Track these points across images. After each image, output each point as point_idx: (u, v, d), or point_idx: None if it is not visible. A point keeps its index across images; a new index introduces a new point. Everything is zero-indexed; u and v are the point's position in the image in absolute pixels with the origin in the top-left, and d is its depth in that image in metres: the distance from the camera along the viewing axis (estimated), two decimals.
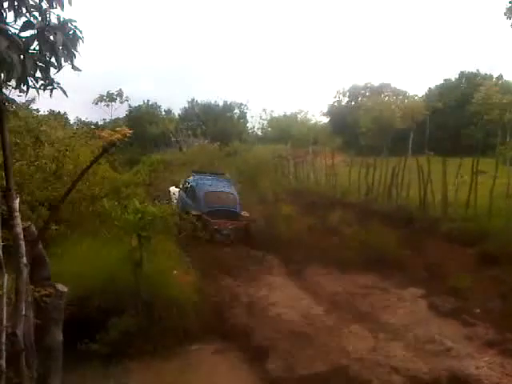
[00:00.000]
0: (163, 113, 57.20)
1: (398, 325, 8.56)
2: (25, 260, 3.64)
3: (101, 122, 55.54)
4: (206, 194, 16.16)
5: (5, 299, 3.40)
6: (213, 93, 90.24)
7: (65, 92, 4.07)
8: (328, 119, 54.97)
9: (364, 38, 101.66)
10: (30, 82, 3.56)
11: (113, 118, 56.16)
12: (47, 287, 4.66)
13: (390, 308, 9.46)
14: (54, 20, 3.90)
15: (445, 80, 48.50)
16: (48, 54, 3.32)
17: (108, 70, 78.14)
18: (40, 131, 15.30)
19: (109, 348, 7.89)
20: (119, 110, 55.52)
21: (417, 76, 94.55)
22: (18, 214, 3.71)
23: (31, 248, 4.17)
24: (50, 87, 3.97)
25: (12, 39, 2.76)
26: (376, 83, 53.80)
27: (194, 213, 14.04)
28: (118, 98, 56.23)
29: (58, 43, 3.24)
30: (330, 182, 23.70)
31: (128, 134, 4.61)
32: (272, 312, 9.26)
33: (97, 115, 55.22)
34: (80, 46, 4.00)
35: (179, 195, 18.14)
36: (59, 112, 45.17)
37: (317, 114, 56.39)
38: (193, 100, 57.93)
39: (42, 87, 3.92)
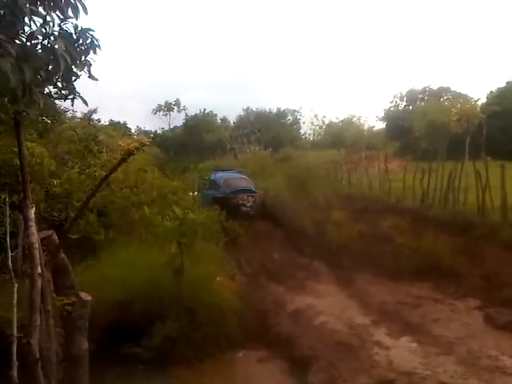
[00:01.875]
0: (219, 121, 58.06)
1: (451, 338, 8.04)
2: (39, 270, 3.61)
3: (159, 131, 57.30)
4: (225, 180, 19.63)
5: (15, 309, 3.37)
6: (267, 100, 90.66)
7: (85, 102, 4.04)
8: (384, 124, 53.73)
9: (423, 39, 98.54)
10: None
11: (171, 126, 57.74)
12: (70, 296, 4.64)
13: (443, 320, 8.93)
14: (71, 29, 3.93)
15: (507, 83, 46.29)
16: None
17: (167, 80, 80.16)
18: (97, 140, 15.83)
19: (152, 353, 7.94)
20: (177, 119, 57.03)
21: (479, 79, 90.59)
22: (32, 223, 3.69)
23: (53, 257, 4.15)
24: (71, 97, 3.97)
25: (3, 47, 2.70)
26: (435, 87, 52.20)
27: (218, 195, 17.68)
28: (176, 108, 57.80)
29: (59, 50, 3.16)
30: (383, 188, 23.00)
31: (146, 143, 4.54)
32: (317, 321, 8.97)
33: (156, 124, 56.94)
34: (97, 55, 4.00)
35: (202, 193, 19.46)
36: (119, 122, 46.75)
37: (371, 118, 55.00)
38: (247, 108, 58.48)
39: (63, 97, 3.93)
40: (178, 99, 57.26)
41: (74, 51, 3.50)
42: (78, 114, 21.57)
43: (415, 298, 10.30)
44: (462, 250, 12.40)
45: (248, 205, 17.65)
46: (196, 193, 19.53)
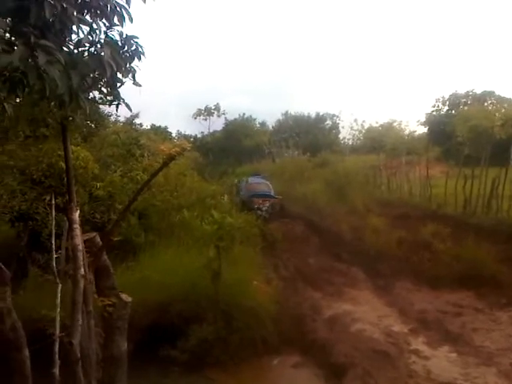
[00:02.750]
0: (258, 125, 58.17)
1: (492, 349, 7.84)
2: (82, 271, 3.70)
3: (199, 135, 58.03)
4: (246, 185, 21.59)
5: (58, 309, 3.46)
6: (307, 104, 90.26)
7: (129, 107, 4.16)
8: (426, 128, 52.62)
9: (468, 42, 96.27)
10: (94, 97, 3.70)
11: (210, 131, 58.38)
12: (111, 297, 4.73)
13: (484, 330, 8.71)
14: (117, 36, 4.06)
15: None
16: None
17: (208, 86, 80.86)
18: (139, 144, 16.17)
19: (188, 355, 8.01)
20: (216, 124, 57.55)
21: None
22: (77, 225, 3.80)
23: (96, 258, 4.25)
24: (116, 103, 4.09)
25: (52, 54, 2.80)
26: (479, 91, 50.85)
27: (242, 199, 19.19)
28: (216, 112, 58.35)
29: (105, 58, 3.26)
30: (424, 194, 22.54)
31: (188, 148, 4.61)
32: (354, 328, 8.89)
33: (196, 129, 57.68)
34: (141, 61, 4.11)
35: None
36: (160, 126, 47.58)
37: (412, 123, 54.02)
38: (286, 112, 58.32)
39: (108, 102, 4.05)
40: (217, 104, 57.78)
41: (120, 58, 3.60)
42: (121, 119, 22.05)
43: (455, 306, 10.08)
44: (504, 259, 12.07)
45: (264, 209, 18.43)
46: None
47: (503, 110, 41.41)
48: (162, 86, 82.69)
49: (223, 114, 57.76)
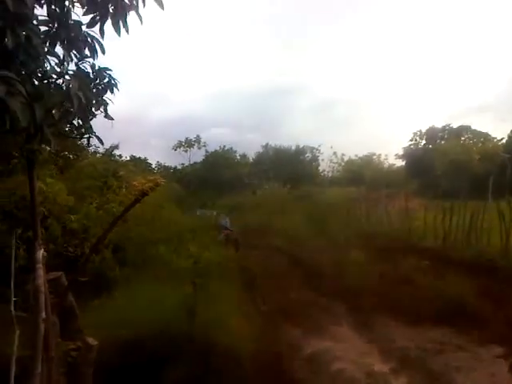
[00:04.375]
0: (238, 157, 58.62)
1: None
2: (43, 314, 3.47)
3: (179, 167, 58.07)
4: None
5: (14, 358, 3.20)
6: (287, 137, 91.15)
7: (101, 140, 4.05)
8: (403, 162, 53.45)
9: (444, 77, 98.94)
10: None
11: (191, 162, 58.53)
12: (76, 340, 4.47)
13: (466, 368, 8.50)
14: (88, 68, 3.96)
15: None
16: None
17: (189, 116, 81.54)
18: (117, 176, 15.97)
19: None
20: (197, 155, 57.88)
21: (502, 117, 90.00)
22: (40, 265, 3.58)
23: (61, 299, 4.02)
24: (87, 136, 3.96)
25: (13, 86, 2.66)
26: (455, 125, 51.98)
27: None
28: (196, 144, 58.74)
29: (73, 90, 3.13)
30: (404, 227, 22.60)
31: (161, 183, 4.47)
32: (334, 367, 8.62)
33: (176, 160, 57.85)
34: (113, 94, 4.01)
35: None
36: (139, 157, 47.49)
37: (391, 156, 54.90)
38: (266, 144, 59.06)
39: (78, 136, 3.92)
40: (198, 136, 58.32)
41: (88, 90, 3.47)
42: (101, 150, 21.88)
43: (437, 343, 9.89)
44: (485, 293, 11.97)
45: (220, 237, 19.14)
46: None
47: (480, 145, 42.32)
48: (143, 116, 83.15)
49: (203, 145, 58.36)
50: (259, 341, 9.01)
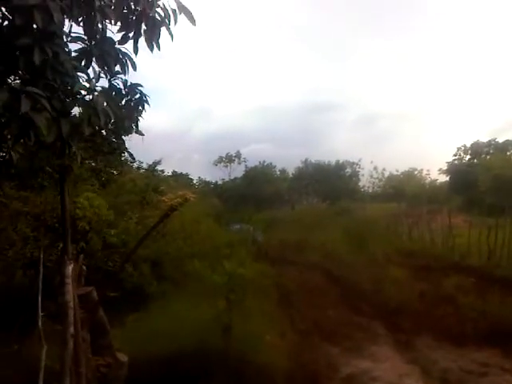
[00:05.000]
0: (278, 173, 58.73)
1: None
2: (72, 330, 3.46)
3: (220, 182, 58.72)
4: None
5: (42, 372, 3.20)
6: (327, 152, 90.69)
7: (133, 156, 4.15)
8: (447, 177, 52.11)
9: (490, 90, 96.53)
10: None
11: (231, 177, 59.13)
12: (106, 357, 4.45)
13: None
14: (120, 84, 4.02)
15: None
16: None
17: (230, 131, 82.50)
18: (159, 191, 16.21)
19: None
20: (237, 171, 58.46)
21: None
22: (69, 280, 3.59)
23: (92, 314, 4.02)
24: (118, 151, 4.00)
25: (38, 101, 2.69)
26: (501, 139, 50.46)
27: None
28: (236, 159, 59.34)
29: (99, 106, 3.15)
30: (447, 244, 21.92)
31: (190, 198, 4.46)
32: None
33: (217, 175, 58.63)
34: (145, 110, 4.04)
35: None
36: (181, 173, 48.22)
37: (433, 171, 53.75)
38: (306, 160, 58.87)
39: (111, 152, 3.96)
40: (238, 151, 58.94)
41: (117, 106, 3.49)
42: (144, 166, 22.38)
43: (481, 365, 9.44)
44: None
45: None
46: None
47: None
48: (185, 132, 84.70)
49: (244, 161, 58.86)
50: (295, 359, 8.86)
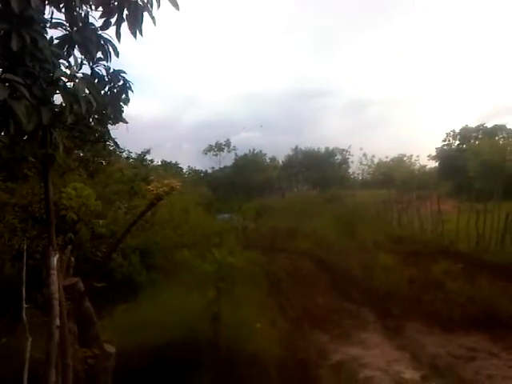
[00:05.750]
0: (268, 161, 58.70)
1: None
2: (57, 321, 3.41)
3: (209, 171, 58.61)
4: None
5: (27, 364, 3.15)
6: (316, 139, 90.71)
7: (117, 145, 4.09)
8: (436, 163, 52.34)
9: (479, 74, 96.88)
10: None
11: (221, 166, 59.01)
12: (94, 348, 4.41)
13: (499, 377, 8.11)
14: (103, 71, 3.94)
15: None
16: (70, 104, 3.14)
17: (218, 120, 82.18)
18: (148, 180, 16.12)
19: None
20: (227, 159, 58.33)
21: None
22: (54, 271, 3.54)
23: (78, 305, 3.97)
24: (103, 140, 3.93)
25: (17, 89, 2.61)
26: (490, 124, 50.66)
27: None
28: (226, 148, 59.17)
29: (80, 93, 3.08)
30: (436, 230, 22.09)
31: (177, 187, 4.41)
32: (362, 374, 8.37)
33: (206, 164, 58.50)
34: (128, 97, 3.96)
35: None
36: (170, 162, 48.04)
37: (423, 157, 53.94)
38: (296, 147, 58.89)
39: (96, 141, 3.88)
40: (228, 140, 58.76)
41: (98, 93, 3.42)
42: (133, 155, 22.26)
43: (469, 350, 9.51)
44: None
45: None
46: None
47: None
48: (175, 121, 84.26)
49: (233, 149, 58.75)
50: (285, 347, 8.88)
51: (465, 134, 51.81)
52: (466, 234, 18.58)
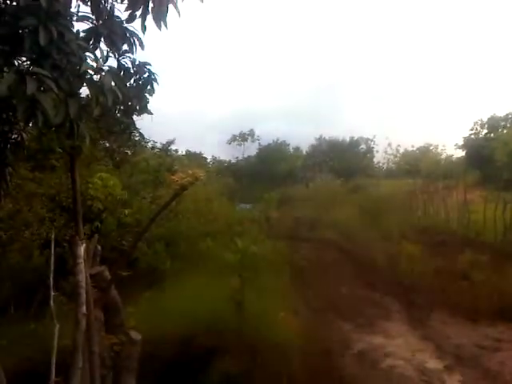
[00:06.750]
0: (291, 150, 58.50)
1: None
2: (84, 309, 3.50)
3: (233, 161, 58.70)
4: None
5: (55, 351, 3.25)
6: (341, 129, 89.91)
7: (142, 136, 4.16)
8: (463, 152, 51.37)
9: (505, 63, 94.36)
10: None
11: (245, 156, 59.04)
12: (119, 335, 4.52)
13: None
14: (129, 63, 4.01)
15: None
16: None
17: (242, 110, 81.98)
18: (173, 170, 16.27)
19: None
20: (251, 149, 58.33)
21: None
22: (81, 260, 3.63)
23: (104, 294, 4.07)
24: (128, 131, 4.01)
25: (44, 82, 2.67)
26: None
27: None
28: (250, 138, 59.11)
29: (106, 86, 3.14)
30: (462, 220, 21.75)
31: (201, 177, 4.45)
32: (385, 364, 8.38)
33: (230, 154, 58.59)
34: (153, 89, 4.03)
35: None
36: (195, 152, 48.33)
37: (449, 147, 53.02)
38: (320, 137, 58.51)
39: (121, 132, 3.96)
40: (252, 130, 58.67)
41: (124, 86, 3.48)
42: (158, 145, 22.46)
43: (495, 341, 9.44)
44: None
45: None
46: None
47: None
48: (200, 111, 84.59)
49: (257, 139, 58.59)
50: (308, 336, 8.91)
51: (493, 123, 50.64)
52: (493, 224, 18.26)
